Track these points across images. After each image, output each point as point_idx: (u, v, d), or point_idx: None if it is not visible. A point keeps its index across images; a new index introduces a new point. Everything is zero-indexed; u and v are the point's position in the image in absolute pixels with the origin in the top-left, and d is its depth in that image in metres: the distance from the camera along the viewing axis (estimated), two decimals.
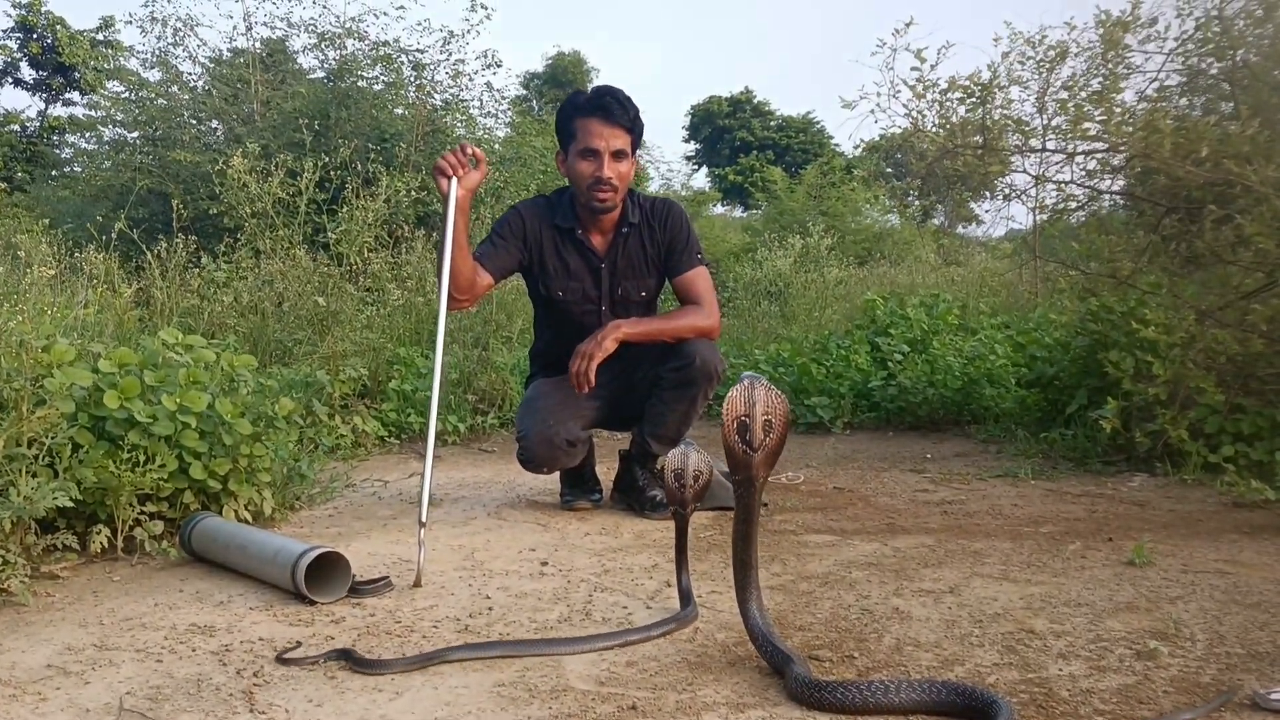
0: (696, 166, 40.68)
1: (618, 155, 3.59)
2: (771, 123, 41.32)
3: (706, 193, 30.34)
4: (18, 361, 3.15)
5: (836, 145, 38.71)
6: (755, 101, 41.91)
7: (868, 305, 7.13)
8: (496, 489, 4.29)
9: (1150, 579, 2.77)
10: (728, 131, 41.12)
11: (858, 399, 6.02)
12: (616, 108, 3.58)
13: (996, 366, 5.85)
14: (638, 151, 3.74)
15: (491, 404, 5.95)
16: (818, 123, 40.41)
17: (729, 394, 2.04)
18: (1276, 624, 2.39)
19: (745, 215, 29.74)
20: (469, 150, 3.32)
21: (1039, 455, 4.63)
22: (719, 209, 32.21)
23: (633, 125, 3.61)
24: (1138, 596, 2.62)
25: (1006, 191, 4.71)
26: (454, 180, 3.26)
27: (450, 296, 3.33)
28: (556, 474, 3.98)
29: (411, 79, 10.46)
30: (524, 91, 35.18)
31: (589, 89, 3.73)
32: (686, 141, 42.99)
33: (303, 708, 2.01)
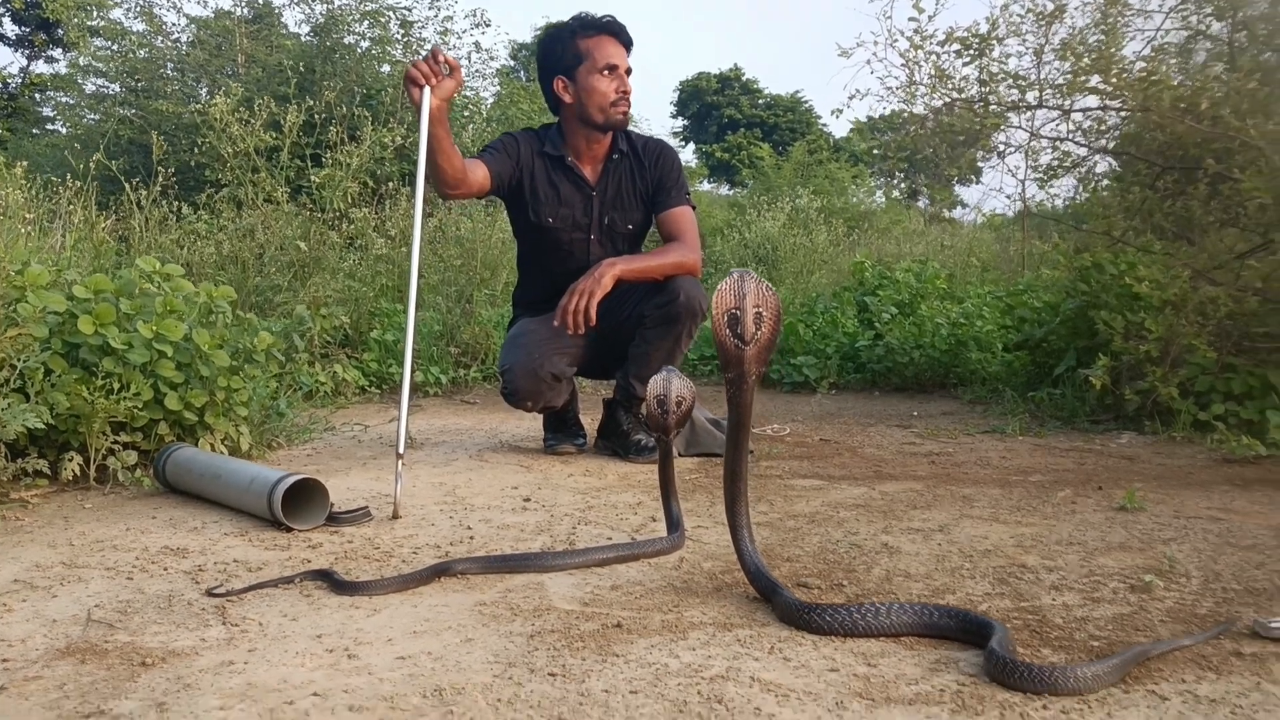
0: (684, 143, 40.51)
1: (628, 72, 3.64)
2: (760, 100, 41.17)
3: (694, 169, 30.23)
4: None
5: (824, 125, 38.65)
6: (744, 79, 41.73)
7: (855, 268, 7.08)
8: (479, 435, 4.23)
9: (1142, 523, 2.73)
10: (715, 108, 40.94)
11: (844, 360, 5.98)
12: (623, 29, 3.64)
13: (984, 331, 5.81)
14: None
15: (474, 357, 5.89)
16: (806, 102, 40.29)
17: (718, 287, 1.97)
18: (1273, 564, 2.35)
19: (732, 192, 29.66)
20: (441, 57, 3.20)
21: (1026, 414, 4.59)
22: (705, 185, 32.10)
23: (630, 47, 3.67)
24: (1130, 538, 2.58)
25: (1001, 149, 4.65)
26: (426, 89, 3.15)
27: (442, 190, 3.42)
28: (540, 421, 3.93)
29: (399, 35, 10.31)
30: (512, 63, 34.95)
31: (577, 14, 3.70)
32: (674, 117, 42.79)
33: (277, 621, 1.95)
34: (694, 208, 3.77)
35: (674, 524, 2.49)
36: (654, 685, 1.63)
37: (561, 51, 3.63)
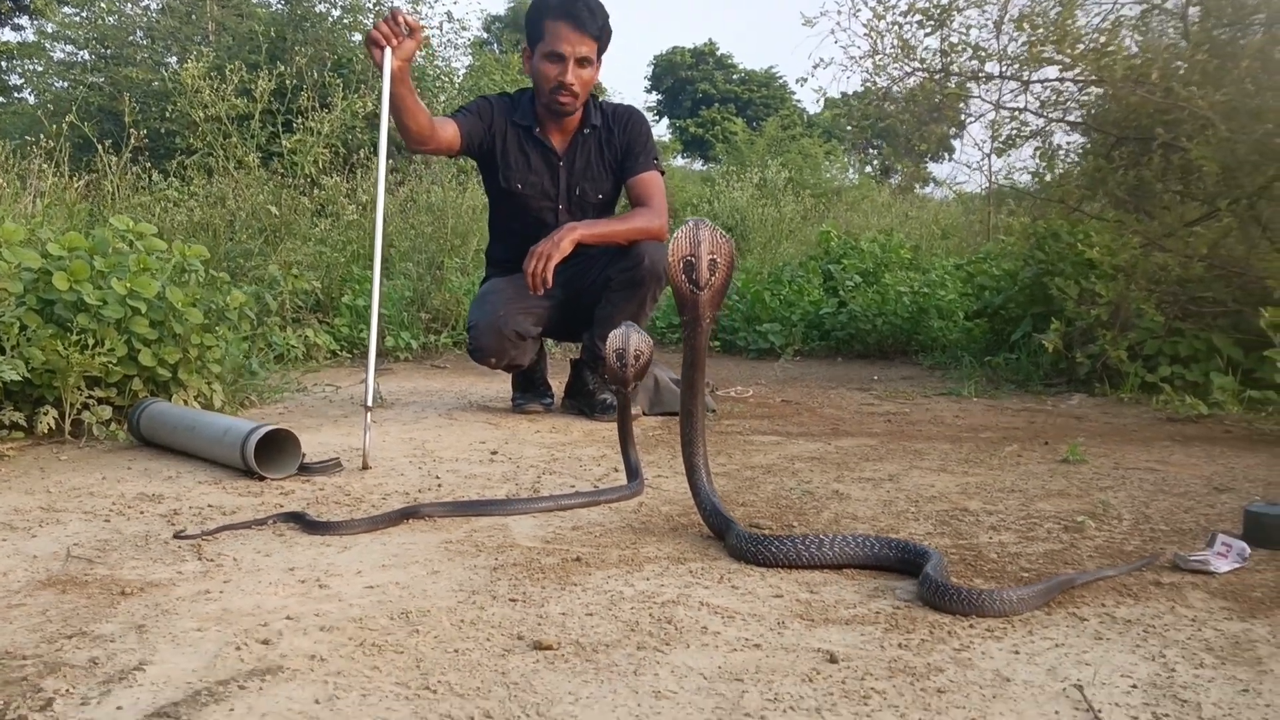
0: (658, 117, 40.50)
1: (582, 62, 3.60)
2: (734, 76, 41.23)
3: (667, 144, 30.20)
4: None
5: (798, 100, 38.72)
6: (718, 54, 41.76)
7: (822, 237, 7.19)
8: (449, 396, 4.32)
9: (1083, 473, 2.86)
10: (690, 83, 40.96)
11: (809, 328, 6.09)
12: (586, 15, 3.57)
13: (946, 300, 5.93)
14: (603, 57, 3.72)
15: (445, 323, 5.96)
16: (780, 77, 40.37)
17: (674, 234, 2.07)
18: (1200, 509, 2.48)
19: (705, 168, 29.68)
20: (401, 18, 3.22)
21: (983, 378, 4.72)
22: (679, 161, 32.11)
23: (600, 33, 3.61)
24: (1069, 486, 2.71)
25: (964, 119, 4.75)
26: (388, 50, 3.20)
27: (410, 145, 3.52)
28: (509, 382, 4.01)
29: (370, 4, 10.30)
30: (485, 35, 34.82)
31: None
32: (648, 92, 42.77)
33: (251, 558, 2.04)
34: (662, 173, 3.83)
35: (633, 472, 2.59)
36: (609, 609, 1.74)
37: (532, 24, 3.65)
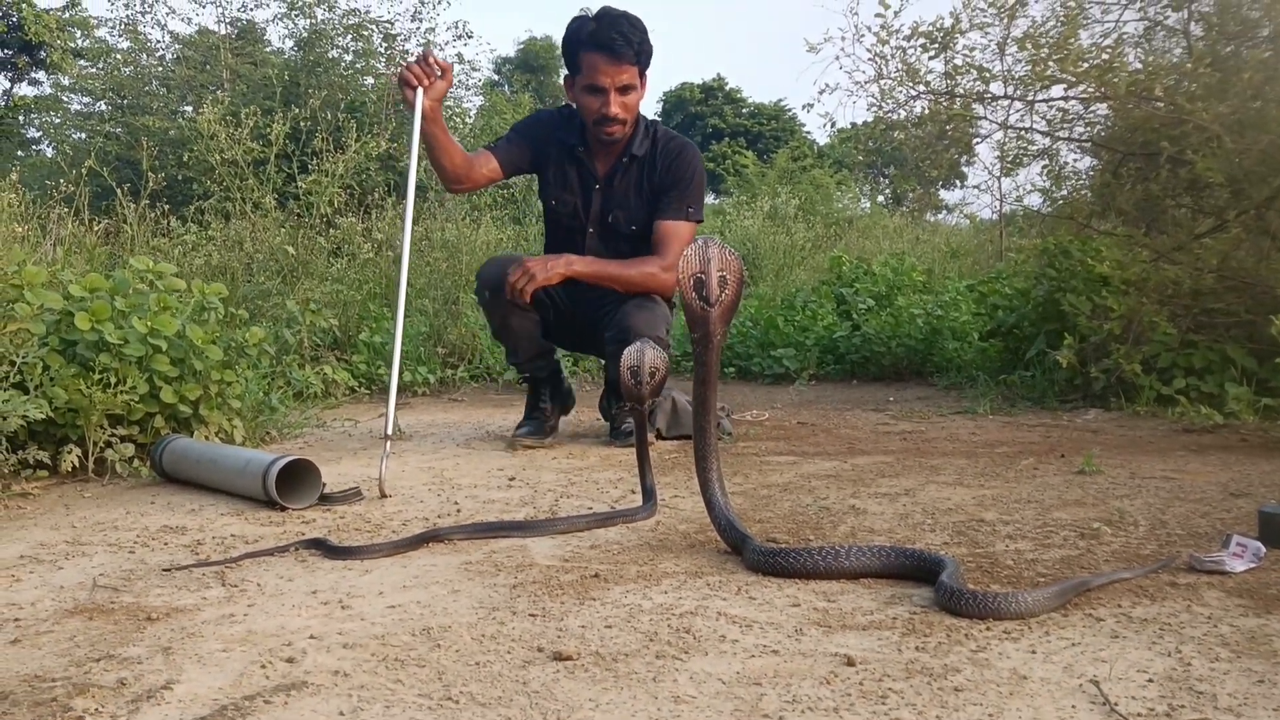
0: None
1: (624, 90, 3.53)
2: (744, 110, 41.43)
3: None
4: None
5: (808, 132, 38.87)
6: (727, 88, 42.00)
7: (833, 261, 7.22)
8: (466, 427, 4.35)
9: (1099, 483, 2.87)
10: (700, 118, 41.16)
11: (823, 352, 6.10)
12: (620, 42, 3.47)
13: (960, 321, 5.94)
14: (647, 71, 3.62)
15: (461, 357, 6.00)
16: (789, 110, 40.55)
17: (684, 253, 2.10)
18: (1216, 514, 2.48)
19: (717, 201, 29.80)
20: (432, 59, 3.30)
21: (998, 396, 4.72)
22: None
23: (638, 56, 3.51)
24: (1085, 495, 2.71)
25: (971, 139, 4.79)
26: (419, 90, 3.26)
27: (448, 187, 3.61)
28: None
29: (382, 49, 10.45)
30: (496, 77, 35.17)
31: (594, 14, 3.56)
32: None
33: (274, 583, 2.06)
34: (696, 222, 3.70)
35: (648, 492, 2.60)
36: (627, 621, 1.75)
37: (569, 55, 3.62)
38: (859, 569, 1.98)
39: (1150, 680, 1.45)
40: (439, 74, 3.32)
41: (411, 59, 3.40)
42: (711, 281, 2.05)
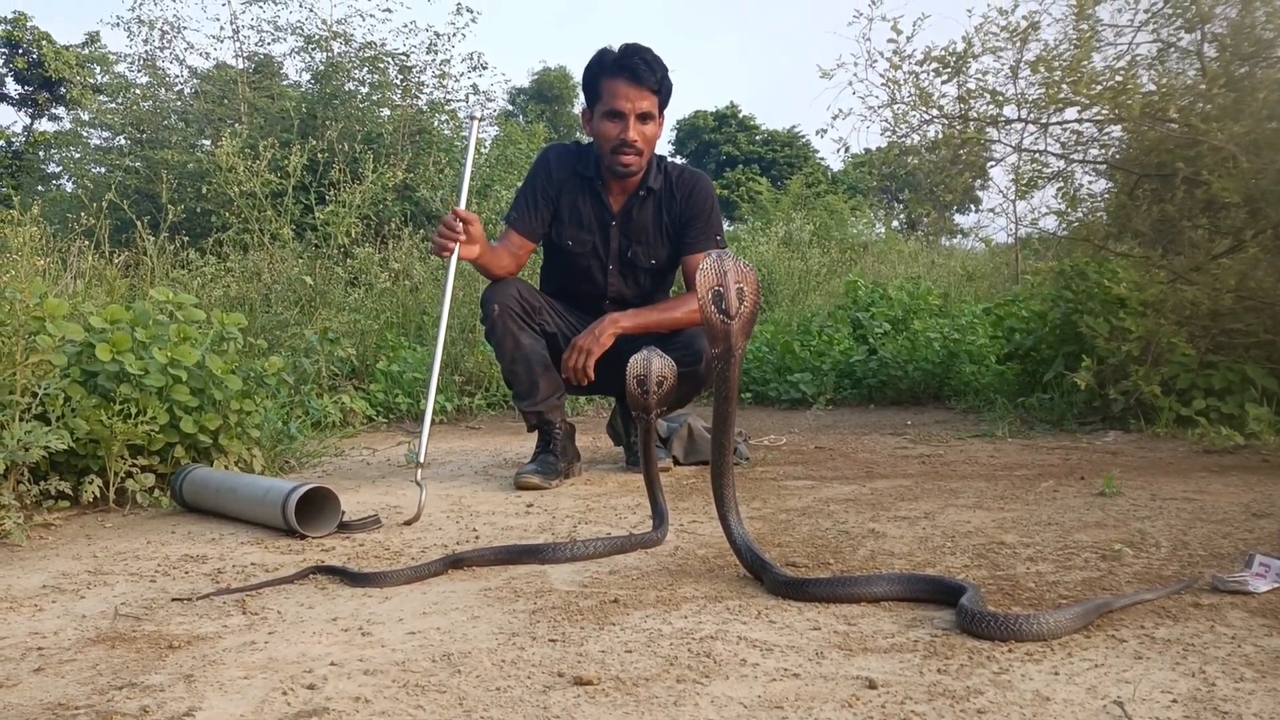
0: None
1: (643, 118, 3.52)
2: (757, 137, 41.53)
3: None
4: (9, 315, 3.20)
5: (822, 158, 38.95)
6: (741, 116, 42.14)
7: (849, 286, 7.22)
8: (483, 454, 4.36)
9: (1119, 505, 2.85)
10: (714, 146, 41.28)
11: (840, 377, 6.10)
12: (643, 69, 3.48)
13: (977, 344, 5.94)
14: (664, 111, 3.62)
15: (478, 385, 6.02)
16: (803, 136, 40.64)
17: (700, 267, 2.11)
18: (1239, 534, 2.46)
19: (732, 227, 29.85)
20: (459, 217, 3.37)
21: (1016, 419, 4.71)
22: None
23: (660, 86, 3.53)
24: (1106, 517, 2.70)
25: (985, 162, 4.80)
26: (455, 254, 3.35)
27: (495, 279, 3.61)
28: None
29: (398, 81, 10.55)
30: (510, 108, 35.38)
31: (618, 47, 3.57)
32: (672, 156, 43.02)
33: (294, 610, 2.07)
34: (725, 248, 3.63)
35: (660, 514, 2.60)
36: (647, 645, 1.75)
37: (589, 85, 3.61)
38: (883, 595, 1.97)
39: (1174, 701, 1.44)
40: (465, 228, 3.37)
41: (439, 223, 3.50)
42: (730, 294, 2.05)
